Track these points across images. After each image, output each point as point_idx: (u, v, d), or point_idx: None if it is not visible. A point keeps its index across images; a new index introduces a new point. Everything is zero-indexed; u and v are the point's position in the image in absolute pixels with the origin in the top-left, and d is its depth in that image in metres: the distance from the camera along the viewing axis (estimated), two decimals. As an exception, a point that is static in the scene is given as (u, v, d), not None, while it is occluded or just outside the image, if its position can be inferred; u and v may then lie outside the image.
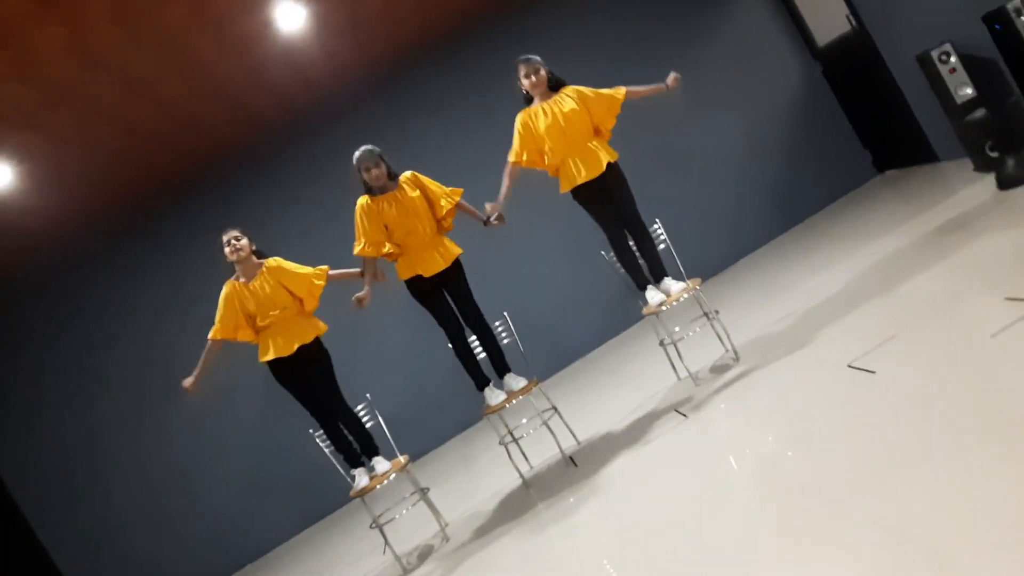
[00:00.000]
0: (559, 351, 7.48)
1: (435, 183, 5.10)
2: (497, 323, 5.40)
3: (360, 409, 5.28)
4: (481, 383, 5.16)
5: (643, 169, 7.37)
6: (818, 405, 3.95)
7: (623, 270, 5.24)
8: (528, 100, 5.12)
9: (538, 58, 5.04)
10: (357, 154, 4.94)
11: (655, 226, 5.37)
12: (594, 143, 5.01)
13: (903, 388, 3.62)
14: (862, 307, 4.83)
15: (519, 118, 5.08)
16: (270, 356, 4.87)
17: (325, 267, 5.10)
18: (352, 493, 5.02)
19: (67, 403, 7.28)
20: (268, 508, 7.39)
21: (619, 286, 5.66)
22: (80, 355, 7.29)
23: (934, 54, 5.96)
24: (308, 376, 4.98)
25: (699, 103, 7.70)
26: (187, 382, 4.94)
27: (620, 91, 5.09)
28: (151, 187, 7.09)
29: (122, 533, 7.28)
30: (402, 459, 5.15)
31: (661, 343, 5.36)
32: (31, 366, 7.27)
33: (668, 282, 5.11)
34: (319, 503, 7.29)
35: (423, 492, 5.19)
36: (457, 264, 5.09)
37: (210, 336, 4.94)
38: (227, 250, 4.91)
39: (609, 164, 4.98)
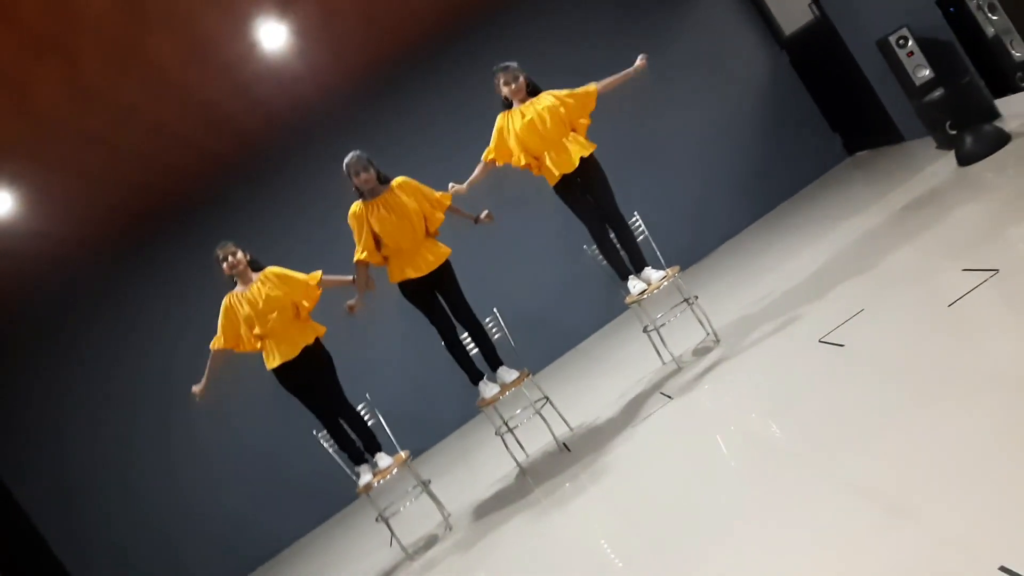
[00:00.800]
0: (549, 343, 7.71)
1: (427, 190, 5.26)
2: (487, 319, 5.62)
3: (360, 408, 5.50)
4: (475, 377, 5.38)
5: (618, 163, 7.58)
6: (793, 380, 4.19)
7: (605, 262, 5.48)
8: (507, 106, 5.33)
9: (516, 65, 5.26)
10: (347, 159, 5.13)
11: (634, 218, 5.61)
12: (569, 138, 5.22)
13: (868, 358, 3.88)
14: (833, 285, 5.08)
15: (498, 120, 5.31)
16: (276, 362, 5.08)
17: (318, 272, 5.31)
18: (358, 490, 5.24)
19: (74, 414, 7.47)
20: (277, 510, 7.60)
21: (603, 278, 5.90)
22: (91, 370, 7.49)
23: (892, 39, 6.21)
24: (312, 378, 5.19)
25: (670, 95, 7.96)
26: (196, 388, 5.15)
27: (592, 88, 5.32)
28: (146, 207, 7.29)
29: (133, 537, 7.48)
30: (403, 454, 5.37)
31: (644, 330, 5.60)
32: (43, 383, 7.45)
33: (648, 271, 5.35)
34: (326, 503, 7.51)
35: (425, 485, 5.41)
36: (447, 264, 5.31)
37: (211, 346, 5.15)
38: (224, 266, 5.09)
39: (584, 158, 5.19)
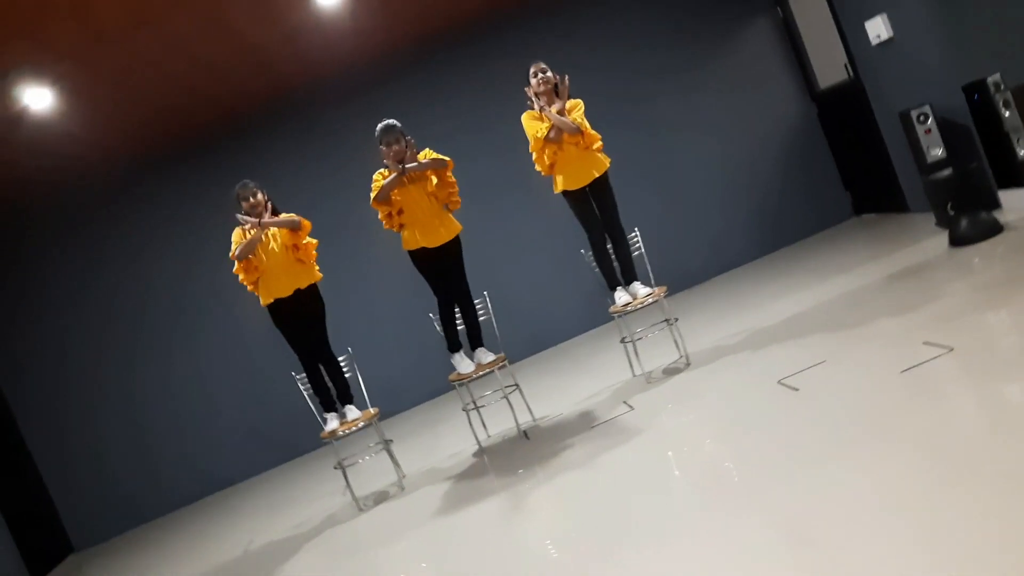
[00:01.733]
0: (532, 337, 7.95)
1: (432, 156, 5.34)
2: (476, 301, 5.87)
3: (341, 359, 5.75)
4: (453, 346, 5.63)
5: (631, 176, 7.89)
6: (747, 412, 4.45)
7: (598, 269, 5.73)
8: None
9: (544, 64, 5.50)
10: (381, 127, 5.33)
11: (634, 234, 5.84)
12: (587, 152, 5.45)
13: (817, 405, 4.13)
14: (805, 333, 5.32)
15: (527, 113, 5.50)
16: (268, 299, 5.34)
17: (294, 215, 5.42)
18: (323, 434, 5.50)
19: (78, 321, 7.73)
20: (247, 443, 7.87)
21: (595, 284, 6.14)
22: (93, 280, 7.75)
23: (914, 113, 6.43)
24: (300, 320, 5.45)
25: (695, 119, 8.19)
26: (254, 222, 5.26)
27: (593, 135, 5.46)
28: (179, 131, 7.55)
29: (105, 450, 7.75)
30: (372, 410, 5.63)
31: (622, 340, 5.85)
32: (54, 286, 7.71)
33: (636, 286, 5.60)
34: (293, 444, 7.77)
35: (387, 443, 5.67)
36: (457, 239, 5.52)
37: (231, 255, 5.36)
38: (244, 205, 5.31)
39: (597, 177, 5.43)
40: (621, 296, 5.57)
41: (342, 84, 7.88)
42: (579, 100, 5.50)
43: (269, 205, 5.37)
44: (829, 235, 8.08)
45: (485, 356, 5.59)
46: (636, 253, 5.80)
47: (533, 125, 5.46)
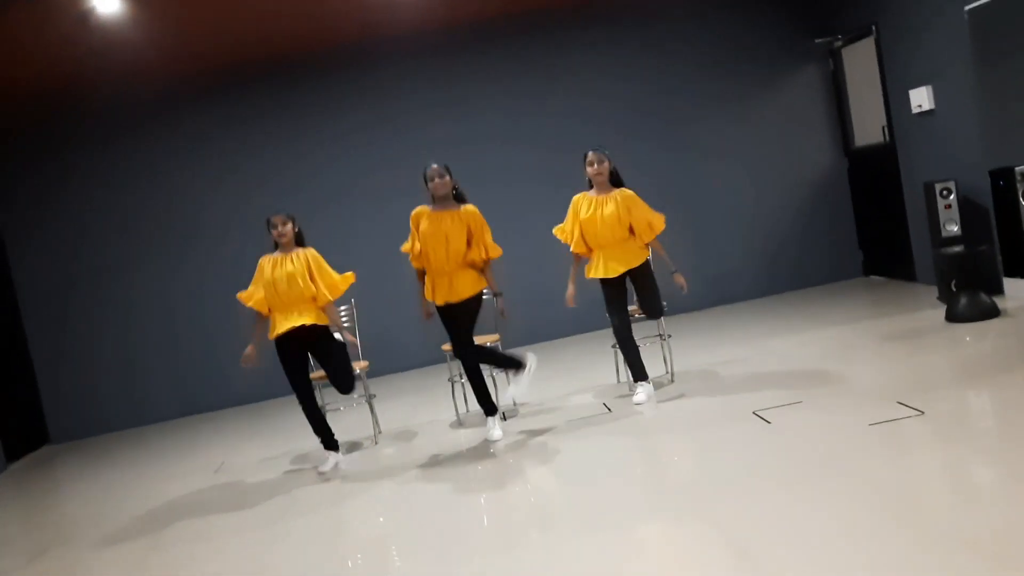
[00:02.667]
0: (531, 328, 8.09)
1: (486, 231, 5.19)
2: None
3: (342, 310, 5.92)
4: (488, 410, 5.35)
5: (658, 195, 7.94)
6: (716, 432, 4.62)
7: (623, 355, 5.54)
8: (589, 185, 5.50)
9: (606, 151, 5.45)
10: (429, 166, 5.13)
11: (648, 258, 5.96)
12: (627, 243, 5.39)
13: (786, 439, 4.30)
14: (790, 374, 5.48)
15: (575, 197, 5.49)
16: (274, 334, 5.17)
17: (350, 275, 5.33)
18: (313, 376, 5.68)
19: (93, 227, 7.89)
20: (235, 371, 8.01)
21: (597, 293, 6.25)
22: (119, 187, 7.92)
23: (938, 187, 6.57)
24: (303, 355, 5.30)
25: (732, 153, 8.34)
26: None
27: (659, 224, 5.44)
28: (227, 64, 7.76)
29: (98, 352, 7.94)
30: (363, 363, 5.80)
31: (613, 346, 6.01)
32: (80, 189, 7.90)
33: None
34: (281, 382, 7.88)
35: (370, 397, 5.85)
36: (466, 302, 5.16)
37: (239, 296, 5.32)
38: (273, 233, 5.19)
39: (633, 267, 5.39)
40: (643, 393, 5.42)
41: (395, 49, 8.03)
42: (633, 195, 5.40)
43: (293, 232, 5.22)
44: (834, 289, 8.23)
45: (492, 432, 5.28)
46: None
47: (569, 215, 5.47)
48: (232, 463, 5.91)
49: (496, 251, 5.26)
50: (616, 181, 5.50)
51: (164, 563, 4.20)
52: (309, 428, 5.36)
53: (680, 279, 5.48)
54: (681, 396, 5.45)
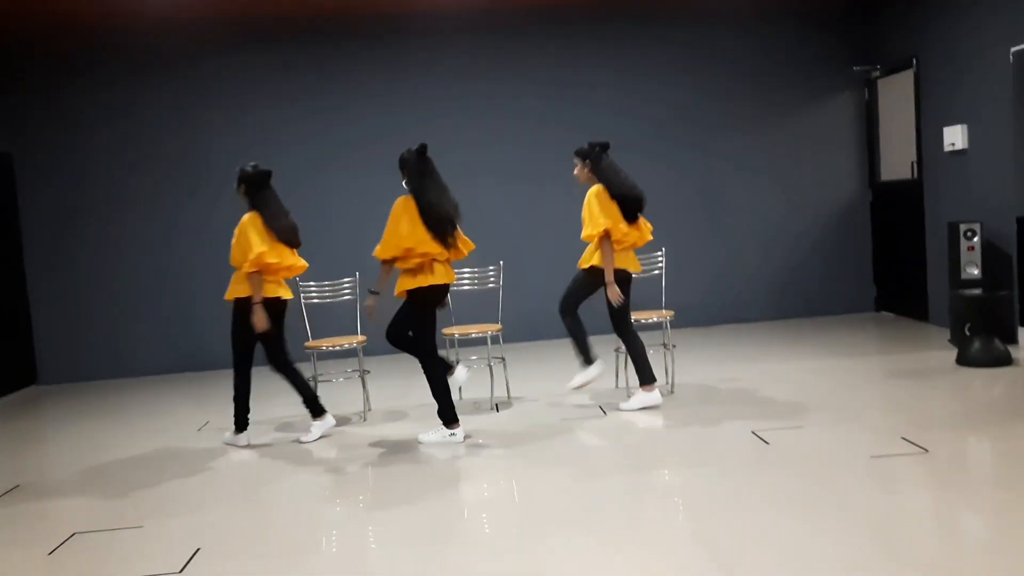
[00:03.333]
0: (535, 324, 7.98)
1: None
2: (490, 267, 5.95)
3: (345, 282, 5.82)
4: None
5: (681, 203, 7.96)
6: (711, 446, 4.50)
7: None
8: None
9: (579, 149, 5.30)
10: (418, 150, 4.85)
11: (658, 254, 5.88)
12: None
13: (783, 460, 4.18)
14: (794, 398, 5.37)
15: (597, 191, 5.16)
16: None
17: (262, 253, 4.89)
18: (307, 344, 5.59)
19: (110, 165, 7.80)
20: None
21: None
22: (139, 125, 7.84)
23: (963, 227, 6.45)
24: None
25: (758, 170, 8.25)
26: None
27: (597, 230, 5.07)
28: (260, 16, 7.70)
29: (98, 296, 7.85)
30: (360, 337, 5.70)
31: (616, 350, 5.90)
32: (101, 114, 7.82)
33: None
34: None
35: (364, 372, 5.74)
36: (408, 296, 4.87)
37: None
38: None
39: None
40: (590, 372, 5.29)
41: (431, 25, 7.94)
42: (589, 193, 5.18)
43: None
44: (844, 320, 8.10)
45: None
46: (655, 272, 5.84)
47: (599, 211, 5.10)
48: (217, 424, 5.80)
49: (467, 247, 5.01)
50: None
51: (135, 513, 4.10)
52: (302, 398, 5.24)
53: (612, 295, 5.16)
54: (680, 407, 5.34)
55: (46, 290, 7.84)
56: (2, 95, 7.68)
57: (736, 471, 4.09)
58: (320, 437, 5.20)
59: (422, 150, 4.84)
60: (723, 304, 8.24)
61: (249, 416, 5.20)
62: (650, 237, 5.31)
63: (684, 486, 3.99)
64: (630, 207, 5.14)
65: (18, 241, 7.75)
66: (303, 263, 5.13)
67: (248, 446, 5.16)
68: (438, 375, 4.91)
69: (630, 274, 5.27)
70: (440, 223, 4.74)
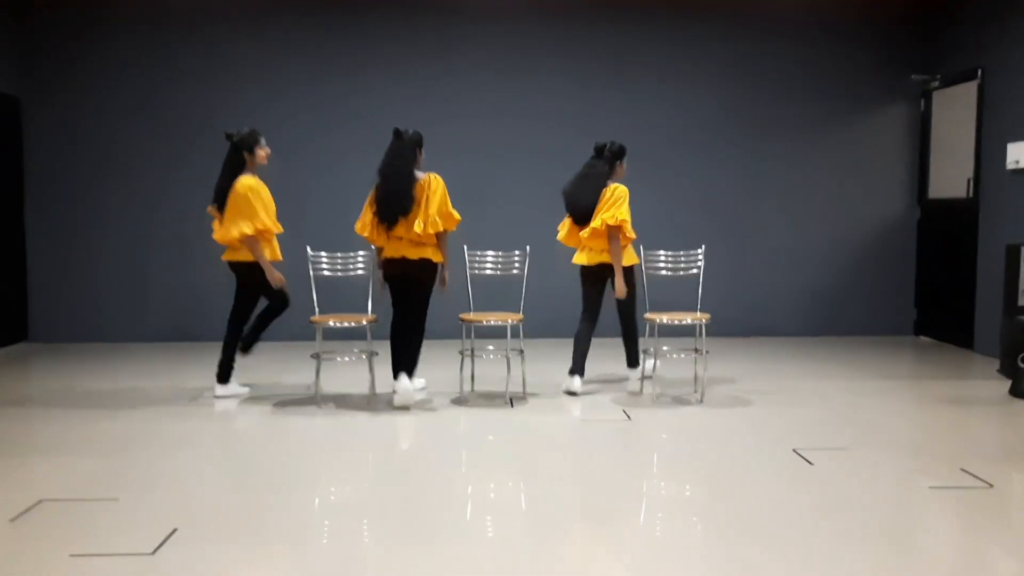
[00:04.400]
0: (557, 321, 7.57)
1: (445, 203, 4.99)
2: (515, 251, 5.56)
3: (360, 256, 5.43)
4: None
5: (722, 208, 7.52)
6: (750, 462, 4.07)
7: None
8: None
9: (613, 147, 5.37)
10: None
11: (698, 251, 5.47)
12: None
13: (830, 483, 3.75)
14: (835, 419, 4.95)
15: (626, 189, 5.26)
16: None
17: (261, 223, 5.07)
18: (313, 319, 5.20)
19: (121, 122, 7.44)
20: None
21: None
22: (145, 77, 7.47)
23: (1024, 251, 6.01)
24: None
25: (801, 178, 7.83)
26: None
27: (606, 224, 5.16)
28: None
29: (97, 255, 7.49)
30: (371, 316, 5.30)
31: (643, 351, 5.49)
32: (116, 72, 7.46)
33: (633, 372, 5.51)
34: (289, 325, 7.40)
35: (371, 354, 5.34)
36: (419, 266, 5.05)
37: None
38: (260, 152, 5.12)
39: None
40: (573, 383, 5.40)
41: (464, 6, 7.55)
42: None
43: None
44: (880, 342, 7.65)
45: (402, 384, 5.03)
46: (693, 271, 5.44)
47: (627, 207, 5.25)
48: (212, 396, 5.42)
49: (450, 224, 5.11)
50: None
51: (112, 483, 3.71)
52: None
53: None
54: (713, 417, 4.92)
55: (45, 244, 7.48)
56: (14, 35, 7.32)
57: (778, 491, 3.67)
58: (225, 396, 5.29)
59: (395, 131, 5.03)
60: (753, 315, 7.80)
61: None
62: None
63: (720, 504, 3.56)
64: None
65: (20, 191, 7.39)
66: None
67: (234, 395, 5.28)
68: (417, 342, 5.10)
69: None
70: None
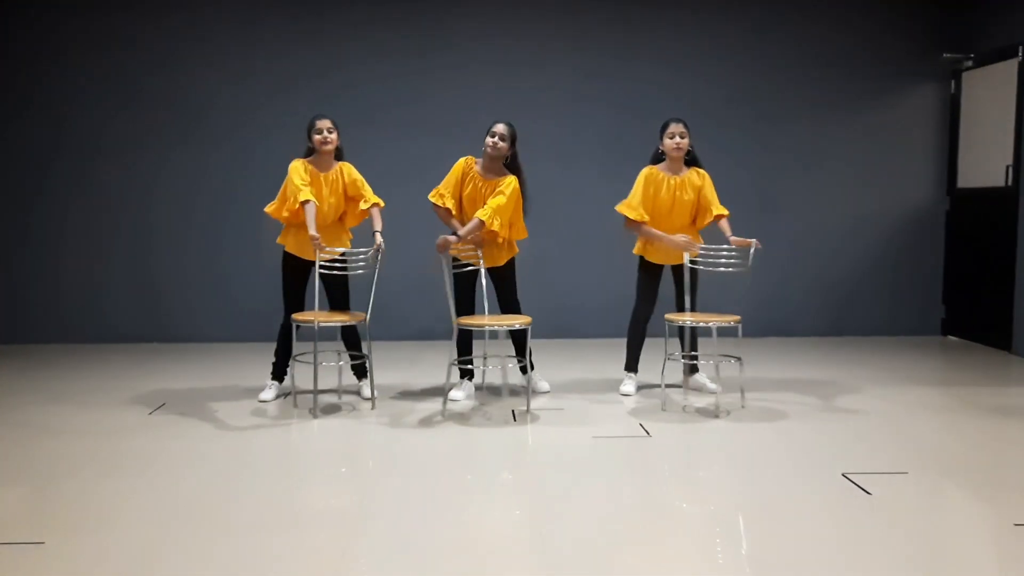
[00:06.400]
0: (560, 320, 6.99)
1: (508, 207, 4.76)
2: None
3: (361, 252, 4.81)
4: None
5: (739, 190, 6.86)
6: (797, 490, 3.48)
7: (627, 339, 5.19)
8: (657, 160, 5.02)
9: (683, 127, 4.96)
10: (496, 124, 4.82)
11: (751, 248, 4.86)
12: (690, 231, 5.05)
13: (892, 520, 3.17)
14: (882, 434, 4.38)
15: (645, 172, 4.98)
16: (289, 248, 4.81)
17: (380, 201, 4.85)
18: (298, 316, 4.61)
19: (90, 102, 6.78)
20: (216, 308, 6.96)
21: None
22: (129, 61, 6.80)
23: (1077, 244, 5.45)
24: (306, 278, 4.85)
25: (822, 165, 7.27)
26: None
27: (722, 211, 5.01)
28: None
29: (64, 252, 6.86)
30: (362, 314, 4.69)
31: (670, 357, 4.89)
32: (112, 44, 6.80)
33: (699, 377, 5.17)
34: (268, 325, 6.80)
35: (367, 356, 4.73)
36: (504, 268, 4.95)
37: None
38: (318, 138, 4.70)
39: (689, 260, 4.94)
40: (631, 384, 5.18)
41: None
42: (710, 180, 5.05)
43: (336, 143, 4.80)
44: (906, 343, 7.09)
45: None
46: (723, 269, 4.84)
47: (639, 189, 4.96)
48: (173, 407, 4.80)
49: (519, 234, 4.95)
50: (693, 160, 4.99)
51: (39, 522, 3.09)
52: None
53: (746, 242, 4.80)
54: (743, 435, 4.33)
55: (12, 240, 6.83)
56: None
57: (834, 527, 3.08)
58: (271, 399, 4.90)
59: None
60: (768, 313, 7.21)
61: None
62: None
63: (764, 545, 2.96)
64: None
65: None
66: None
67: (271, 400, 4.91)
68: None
69: None
70: None
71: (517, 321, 4.64)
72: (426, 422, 4.50)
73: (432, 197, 4.84)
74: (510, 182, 4.74)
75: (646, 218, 4.90)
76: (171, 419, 4.56)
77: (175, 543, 2.93)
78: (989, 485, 3.59)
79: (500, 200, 4.67)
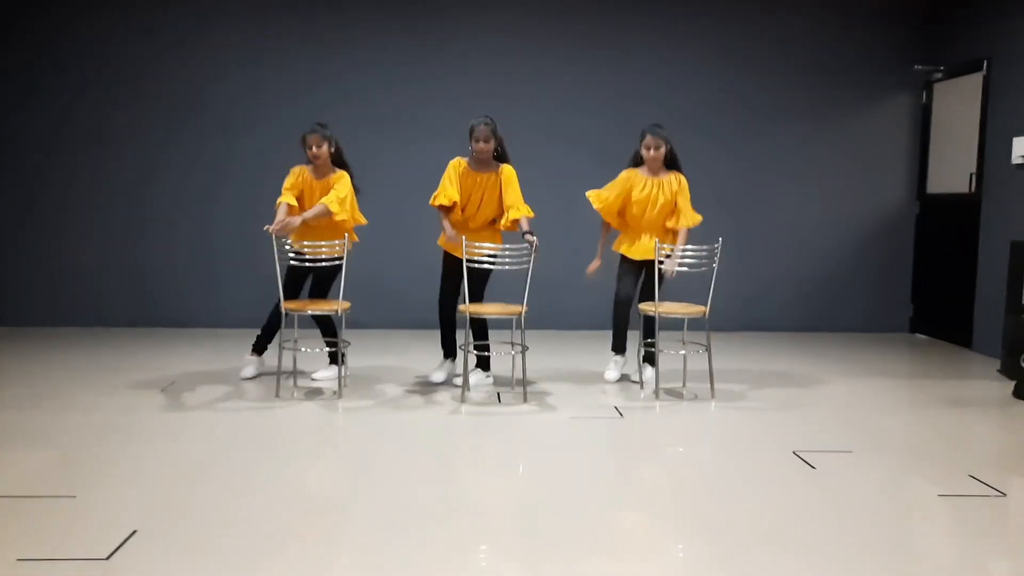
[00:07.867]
0: (555, 314, 7.34)
1: (517, 191, 5.07)
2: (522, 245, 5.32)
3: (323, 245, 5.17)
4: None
5: (715, 194, 7.22)
6: (749, 465, 3.87)
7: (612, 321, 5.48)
8: (637, 162, 5.35)
9: (665, 133, 5.26)
10: (476, 122, 5.03)
11: (716, 245, 5.19)
12: (663, 233, 5.35)
13: (833, 490, 3.55)
14: (837, 419, 4.76)
15: (625, 172, 5.34)
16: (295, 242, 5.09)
17: (357, 218, 5.23)
18: (285, 305, 4.94)
19: (92, 91, 7.14)
20: (209, 294, 7.32)
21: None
22: (131, 52, 7.16)
23: (1030, 247, 5.83)
24: (308, 270, 5.17)
25: (796, 169, 7.63)
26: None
27: (691, 223, 5.31)
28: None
29: (68, 235, 7.20)
30: (344, 303, 5.03)
31: (648, 344, 5.28)
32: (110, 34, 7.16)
33: (649, 370, 5.40)
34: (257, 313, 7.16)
35: (344, 342, 5.08)
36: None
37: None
38: (308, 154, 5.08)
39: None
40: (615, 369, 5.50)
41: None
42: (686, 185, 5.34)
43: (329, 153, 5.10)
44: (875, 339, 7.47)
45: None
46: (716, 266, 5.18)
47: (614, 187, 5.32)
48: (184, 385, 5.17)
49: (524, 212, 5.09)
50: (672, 163, 5.31)
51: (70, 479, 3.46)
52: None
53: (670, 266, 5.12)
54: (708, 418, 4.71)
55: (9, 224, 7.18)
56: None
57: (780, 498, 3.47)
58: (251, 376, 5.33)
59: None
60: (745, 310, 7.60)
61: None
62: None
63: (718, 510, 3.35)
64: None
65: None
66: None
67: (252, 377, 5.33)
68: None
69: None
70: None
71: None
72: (416, 405, 4.88)
73: (436, 201, 5.10)
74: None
75: (604, 211, 5.33)
76: (182, 396, 4.93)
77: (186, 498, 3.31)
78: (924, 462, 3.98)
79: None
